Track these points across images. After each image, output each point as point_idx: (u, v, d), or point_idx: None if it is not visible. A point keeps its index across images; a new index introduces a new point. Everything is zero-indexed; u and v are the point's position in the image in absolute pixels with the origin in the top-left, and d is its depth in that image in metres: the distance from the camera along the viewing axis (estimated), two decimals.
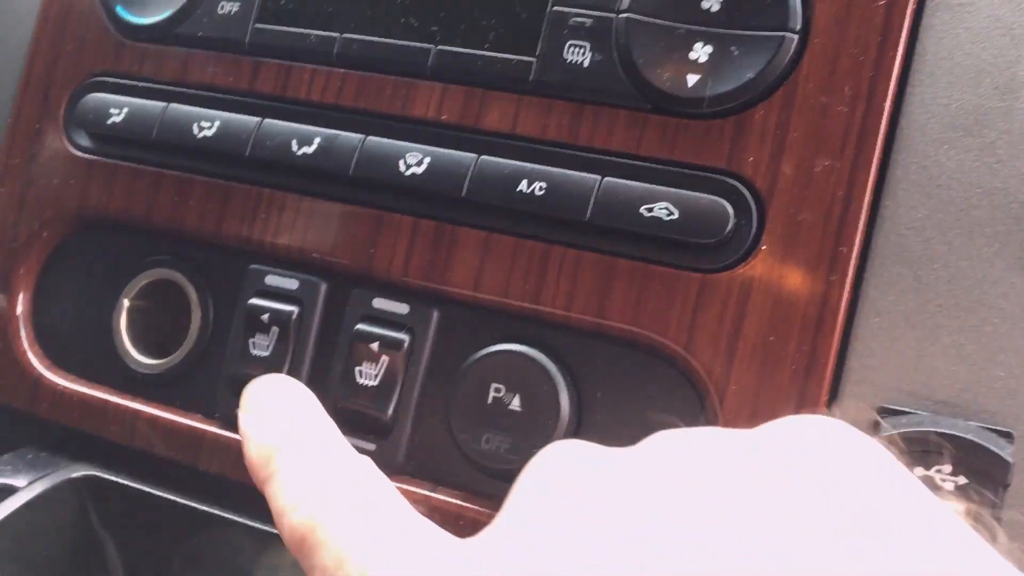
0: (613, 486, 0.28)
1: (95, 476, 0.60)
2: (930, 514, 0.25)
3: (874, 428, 0.46)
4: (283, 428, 0.39)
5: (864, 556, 0.23)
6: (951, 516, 0.25)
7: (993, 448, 0.43)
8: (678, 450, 0.29)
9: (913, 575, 0.23)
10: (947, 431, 0.44)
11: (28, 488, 0.59)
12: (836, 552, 0.23)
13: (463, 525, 0.53)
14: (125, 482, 0.60)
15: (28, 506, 0.58)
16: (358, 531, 0.32)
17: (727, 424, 0.48)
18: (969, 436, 0.44)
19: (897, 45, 0.48)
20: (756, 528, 0.24)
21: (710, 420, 0.49)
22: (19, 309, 0.64)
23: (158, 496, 0.59)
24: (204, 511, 0.58)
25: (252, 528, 0.57)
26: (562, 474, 0.31)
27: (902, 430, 0.44)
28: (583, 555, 0.26)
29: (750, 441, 0.29)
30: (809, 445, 0.27)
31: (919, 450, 0.44)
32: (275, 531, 0.56)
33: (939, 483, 0.44)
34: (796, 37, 0.49)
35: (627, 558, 0.25)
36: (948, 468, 0.44)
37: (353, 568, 0.30)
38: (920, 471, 0.44)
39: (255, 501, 0.58)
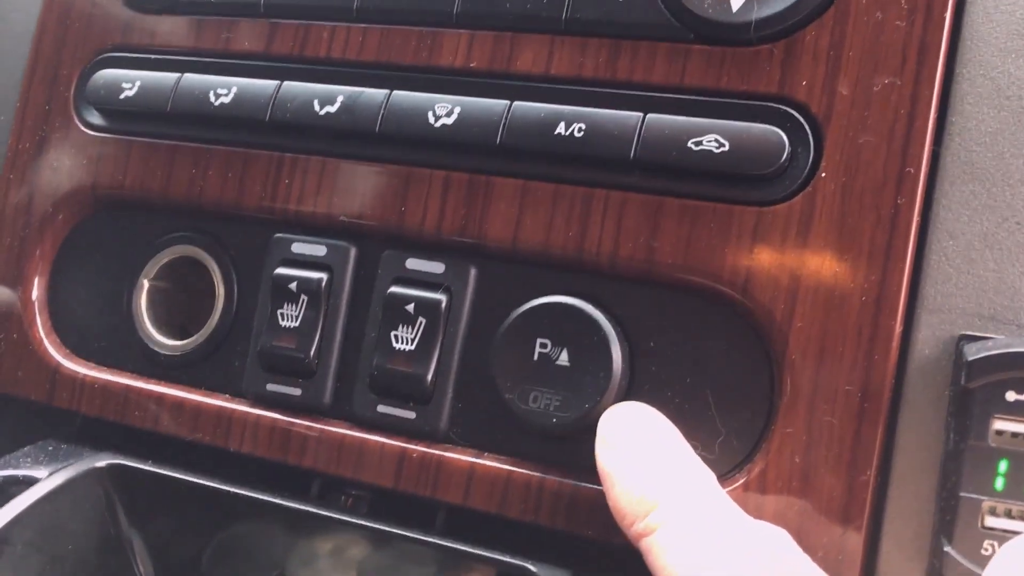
0: None
1: (120, 464, 0.57)
2: None
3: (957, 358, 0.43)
4: (658, 478, 0.42)
5: None
6: None
7: None
8: None
9: None
10: None
11: (50, 478, 0.56)
12: None
13: (512, 490, 0.49)
14: (152, 469, 0.56)
15: (50, 497, 0.55)
16: None
17: (794, 366, 0.45)
18: None
19: None
20: None
21: (774, 362, 0.46)
22: (34, 296, 0.61)
23: (186, 481, 0.55)
24: (235, 493, 0.54)
25: (285, 509, 0.54)
26: None
27: (986, 353, 0.41)
28: None
29: None
30: None
31: (1009, 376, 0.41)
32: (311, 510, 0.53)
33: None
34: None
35: None
36: None
37: None
38: (1013, 395, 0.40)
39: (286, 480, 0.55)
